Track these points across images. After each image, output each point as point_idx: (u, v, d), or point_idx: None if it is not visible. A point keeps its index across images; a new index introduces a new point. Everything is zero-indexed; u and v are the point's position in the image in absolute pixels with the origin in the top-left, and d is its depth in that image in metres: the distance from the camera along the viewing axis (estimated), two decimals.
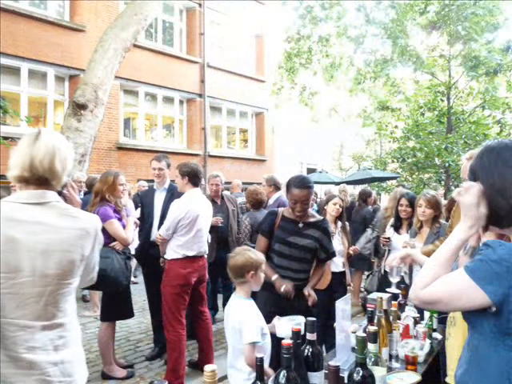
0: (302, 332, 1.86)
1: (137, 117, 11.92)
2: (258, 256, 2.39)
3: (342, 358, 2.12)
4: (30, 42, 9.28)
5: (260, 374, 1.60)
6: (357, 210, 6.83)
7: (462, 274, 1.20)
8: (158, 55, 11.69)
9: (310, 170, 17.20)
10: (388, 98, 13.79)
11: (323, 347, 3.42)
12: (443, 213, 3.89)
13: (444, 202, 4.69)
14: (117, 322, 3.95)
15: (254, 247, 2.93)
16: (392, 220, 4.19)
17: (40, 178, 1.56)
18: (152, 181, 5.01)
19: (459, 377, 1.32)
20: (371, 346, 1.78)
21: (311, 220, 3.10)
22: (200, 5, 12.82)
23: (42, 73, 9.72)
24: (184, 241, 3.63)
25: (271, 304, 2.87)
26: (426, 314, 2.73)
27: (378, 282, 4.13)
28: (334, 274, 4.01)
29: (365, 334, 1.72)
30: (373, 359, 1.78)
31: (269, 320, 2.42)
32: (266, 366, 2.16)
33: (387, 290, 2.72)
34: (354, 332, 2.13)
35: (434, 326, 2.70)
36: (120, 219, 3.66)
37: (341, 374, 1.69)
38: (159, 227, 3.83)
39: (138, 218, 4.29)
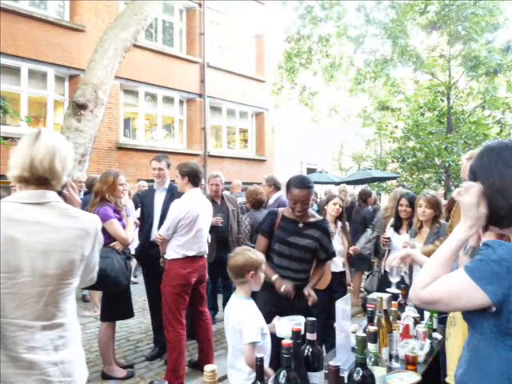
0: (302, 332, 1.86)
1: (137, 117, 11.93)
2: (258, 256, 2.39)
3: (342, 358, 2.12)
4: (29, 41, 9.28)
5: (260, 373, 1.60)
6: (357, 210, 6.83)
7: (462, 274, 1.20)
8: (158, 55, 11.69)
9: (310, 170, 17.20)
10: (388, 98, 13.79)
11: (323, 347, 3.42)
12: (443, 213, 3.89)
13: (444, 202, 4.69)
14: (117, 322, 3.95)
15: (253, 247, 2.93)
16: (392, 220, 4.19)
17: (40, 178, 1.56)
18: (152, 181, 5.01)
19: (459, 377, 1.32)
20: (371, 346, 1.78)
21: (311, 220, 3.10)
22: (200, 5, 12.82)
23: (42, 73, 9.72)
24: (184, 241, 3.63)
25: (271, 304, 2.87)
26: (426, 314, 2.73)
27: (378, 281, 4.13)
28: (334, 273, 4.01)
29: (365, 334, 1.72)
30: (373, 359, 1.78)
31: (269, 320, 2.42)
32: (266, 365, 2.16)
33: (387, 290, 2.72)
34: (354, 332, 2.13)
35: (434, 326, 2.70)
36: (120, 219, 3.66)
37: (341, 374, 1.69)
38: (159, 227, 3.83)
39: (138, 218, 4.29)
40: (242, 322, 2.21)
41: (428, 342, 2.44)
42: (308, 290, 2.95)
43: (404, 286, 2.93)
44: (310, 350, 1.83)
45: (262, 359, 1.58)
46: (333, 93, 17.39)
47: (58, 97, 10.13)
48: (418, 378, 2.01)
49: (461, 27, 11.40)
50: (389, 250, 3.98)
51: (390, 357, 2.21)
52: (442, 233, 3.55)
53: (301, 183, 2.95)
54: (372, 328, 1.81)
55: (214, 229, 4.48)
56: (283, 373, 1.60)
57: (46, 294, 1.53)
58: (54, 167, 1.57)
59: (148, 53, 11.36)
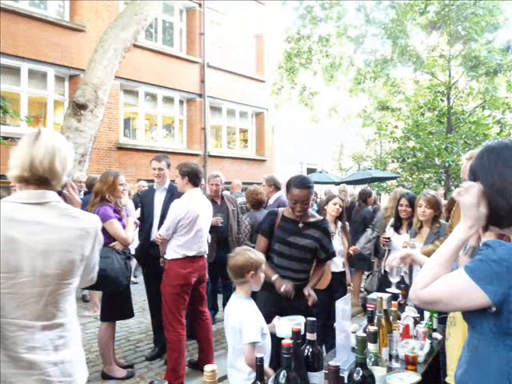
0: (302, 332, 1.86)
1: (137, 117, 11.93)
2: (258, 256, 2.39)
3: (342, 358, 2.12)
4: (30, 41, 9.28)
5: (260, 373, 1.60)
6: (357, 210, 6.83)
7: (462, 274, 1.20)
8: (158, 55, 11.69)
9: (310, 170, 17.20)
10: (388, 98, 13.79)
11: (323, 347, 3.42)
12: (443, 213, 3.89)
13: (444, 202, 4.69)
14: (117, 322, 3.95)
15: (253, 247, 2.93)
16: (392, 220, 4.19)
17: (40, 178, 1.56)
18: (152, 181, 5.01)
19: (459, 377, 1.32)
20: (371, 346, 1.78)
21: (311, 220, 3.10)
22: (200, 5, 12.82)
23: (41, 73, 9.72)
24: (184, 241, 3.63)
25: (271, 304, 2.87)
26: (426, 314, 2.73)
27: (378, 281, 4.13)
28: (334, 273, 4.01)
29: (365, 334, 1.72)
30: (373, 359, 1.78)
31: (269, 320, 2.42)
32: (266, 365, 2.16)
33: (387, 290, 2.72)
34: (354, 332, 2.13)
35: (434, 326, 2.70)
36: (120, 219, 3.66)
37: (341, 374, 1.69)
38: (159, 227, 3.83)
39: (138, 218, 4.29)
40: (242, 322, 2.21)
41: (428, 341, 2.44)
42: (308, 290, 2.95)
43: (404, 285, 2.93)
44: (310, 350, 1.83)
45: (261, 359, 1.58)
46: (333, 93, 17.39)
47: (58, 97, 10.13)
48: (417, 378, 2.01)
49: (461, 27, 11.40)
50: (389, 250, 3.98)
51: (390, 357, 2.21)
52: (442, 233, 3.55)
53: (301, 183, 2.95)
54: (372, 328, 1.81)
55: (214, 229, 4.48)
56: (283, 373, 1.60)
57: (46, 294, 1.53)
58: (54, 167, 1.57)
59: (148, 53, 11.37)
